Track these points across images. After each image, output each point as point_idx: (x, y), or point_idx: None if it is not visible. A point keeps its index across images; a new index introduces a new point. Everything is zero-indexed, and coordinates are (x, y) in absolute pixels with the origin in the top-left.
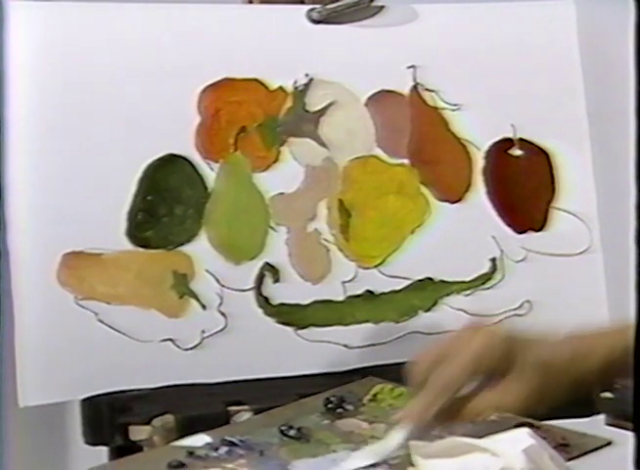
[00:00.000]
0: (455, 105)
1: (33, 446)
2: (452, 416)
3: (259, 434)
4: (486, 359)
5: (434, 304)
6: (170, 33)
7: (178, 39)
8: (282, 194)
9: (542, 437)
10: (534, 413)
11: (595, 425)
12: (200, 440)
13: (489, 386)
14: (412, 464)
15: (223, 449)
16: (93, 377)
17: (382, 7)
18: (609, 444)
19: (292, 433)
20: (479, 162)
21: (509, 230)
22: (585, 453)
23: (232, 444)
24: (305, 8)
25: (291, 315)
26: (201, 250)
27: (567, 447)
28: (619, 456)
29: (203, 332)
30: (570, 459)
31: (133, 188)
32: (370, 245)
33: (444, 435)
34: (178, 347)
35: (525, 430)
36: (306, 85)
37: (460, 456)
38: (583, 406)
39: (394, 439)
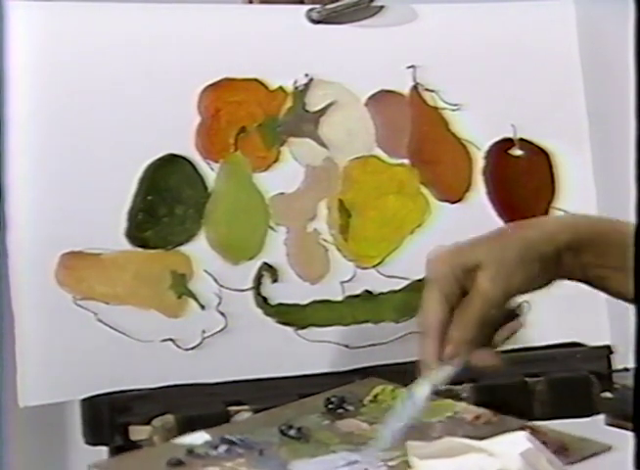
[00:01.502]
0: (455, 105)
1: (33, 446)
2: (457, 342)
3: (259, 433)
4: (443, 279)
5: None
6: (170, 33)
7: (178, 39)
8: (282, 194)
9: (541, 441)
10: (513, 289)
11: (595, 425)
12: (199, 438)
13: None
14: (410, 466)
15: (222, 448)
16: (93, 377)
17: (382, 7)
18: (609, 449)
19: (291, 433)
20: (479, 162)
21: None
22: (585, 458)
23: (231, 442)
24: (305, 8)
25: (290, 315)
26: (200, 250)
27: (566, 452)
28: (619, 461)
29: (203, 332)
30: (569, 464)
31: (133, 188)
32: (370, 245)
33: (442, 436)
34: (178, 347)
35: (524, 433)
36: (306, 85)
37: (457, 457)
38: (583, 406)
39: (446, 370)
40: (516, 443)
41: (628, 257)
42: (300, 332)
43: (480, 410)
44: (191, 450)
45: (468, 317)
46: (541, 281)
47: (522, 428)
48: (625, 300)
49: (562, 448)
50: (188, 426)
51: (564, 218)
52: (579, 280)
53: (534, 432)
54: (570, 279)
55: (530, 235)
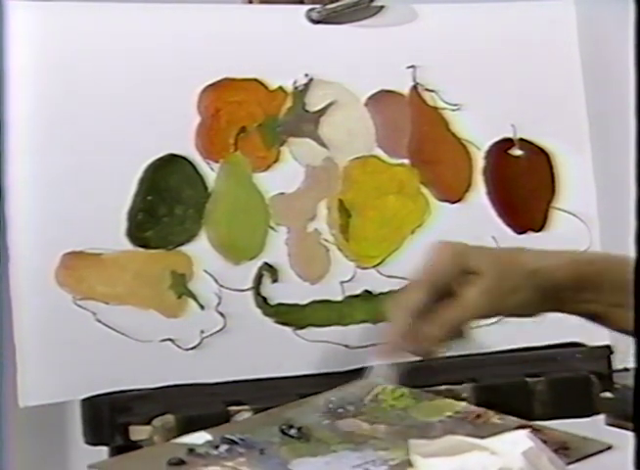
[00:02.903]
0: (455, 105)
1: (33, 446)
2: (427, 337)
3: (260, 433)
4: (439, 269)
5: None
6: (170, 33)
7: (178, 39)
8: (282, 194)
9: (542, 440)
10: (497, 310)
11: (595, 425)
12: (200, 437)
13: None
14: (411, 465)
15: (223, 448)
16: (93, 377)
17: (382, 7)
18: (609, 448)
19: (292, 432)
20: (479, 162)
21: (509, 230)
22: (585, 457)
23: (232, 442)
24: (305, 8)
25: (289, 315)
26: (200, 250)
27: (567, 451)
28: (619, 461)
29: (202, 332)
30: (570, 463)
31: (133, 188)
32: (370, 245)
33: (444, 434)
34: (178, 347)
35: (525, 432)
36: (306, 85)
37: (459, 455)
38: (583, 406)
39: (380, 372)
40: (517, 441)
41: (627, 293)
42: (299, 332)
43: (481, 410)
44: (192, 450)
45: (446, 319)
46: (532, 311)
47: (522, 427)
48: (626, 333)
49: (563, 447)
50: (188, 426)
51: (565, 255)
52: (577, 314)
53: (535, 431)
54: (567, 313)
55: (534, 271)
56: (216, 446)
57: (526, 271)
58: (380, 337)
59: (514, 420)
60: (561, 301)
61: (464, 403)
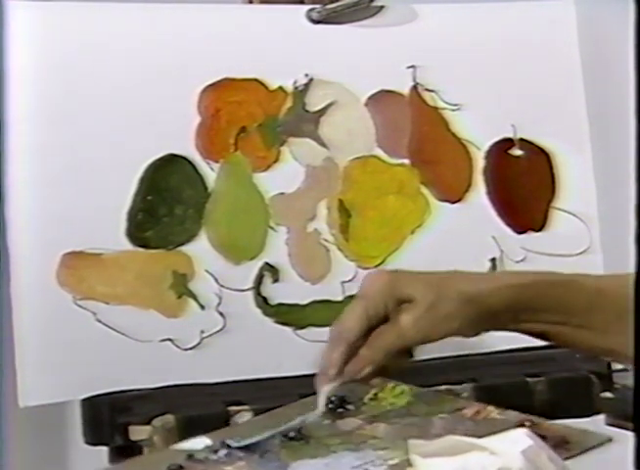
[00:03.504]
0: (455, 105)
1: (33, 446)
2: (362, 359)
3: (259, 436)
4: (372, 299)
5: None
6: (170, 33)
7: (178, 39)
8: (282, 194)
9: (542, 435)
10: (432, 336)
11: (595, 425)
12: (199, 442)
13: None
14: (410, 464)
15: (222, 452)
16: (93, 377)
17: (382, 7)
18: (609, 440)
19: (292, 434)
20: (479, 162)
21: (509, 230)
22: (586, 451)
23: (231, 446)
24: (305, 8)
25: (289, 315)
26: (200, 250)
27: (567, 445)
28: (619, 456)
29: (202, 332)
30: (570, 457)
31: (133, 188)
32: (370, 245)
33: (443, 432)
34: (178, 347)
35: (524, 430)
36: (306, 85)
37: (458, 455)
38: (583, 406)
39: (319, 402)
40: (517, 440)
41: (571, 314)
42: (300, 332)
43: (481, 405)
44: (191, 455)
45: (380, 344)
46: (470, 333)
47: (522, 422)
48: (574, 348)
49: (562, 441)
50: (188, 426)
51: (502, 279)
52: (521, 332)
53: (535, 426)
54: (510, 331)
55: (468, 299)
56: (215, 451)
57: (460, 298)
58: (317, 367)
59: (514, 415)
60: (500, 322)
61: (463, 400)
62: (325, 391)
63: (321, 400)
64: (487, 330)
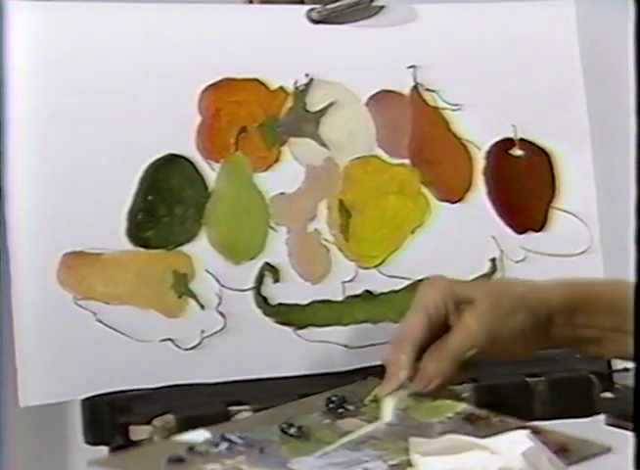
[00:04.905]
0: (456, 105)
1: (33, 446)
2: (432, 374)
3: (260, 431)
4: (433, 299)
5: None
6: (170, 33)
7: (178, 39)
8: (282, 194)
9: (542, 442)
10: (494, 347)
11: (595, 425)
12: (200, 435)
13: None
14: (411, 465)
15: (223, 446)
16: (93, 377)
17: (382, 7)
18: (609, 450)
19: (292, 431)
20: (479, 162)
21: (509, 230)
22: (585, 459)
23: (232, 440)
24: (305, 8)
25: (289, 315)
26: (201, 250)
27: (566, 453)
28: (619, 462)
29: (202, 332)
30: (569, 464)
31: (133, 188)
32: (370, 245)
33: (444, 433)
34: (178, 347)
35: (525, 432)
36: (307, 85)
37: (459, 454)
38: (583, 406)
39: (386, 411)
40: (517, 441)
41: (622, 317)
42: (300, 332)
43: (482, 411)
44: (192, 448)
45: (447, 351)
46: (529, 342)
47: (523, 428)
48: (622, 359)
49: (562, 449)
50: (188, 426)
51: (554, 280)
52: (573, 342)
53: (535, 433)
54: (563, 345)
55: (525, 294)
56: (216, 444)
57: (518, 295)
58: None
59: (513, 422)
60: (557, 326)
61: (464, 405)
62: (392, 400)
63: (387, 410)
64: (542, 342)
